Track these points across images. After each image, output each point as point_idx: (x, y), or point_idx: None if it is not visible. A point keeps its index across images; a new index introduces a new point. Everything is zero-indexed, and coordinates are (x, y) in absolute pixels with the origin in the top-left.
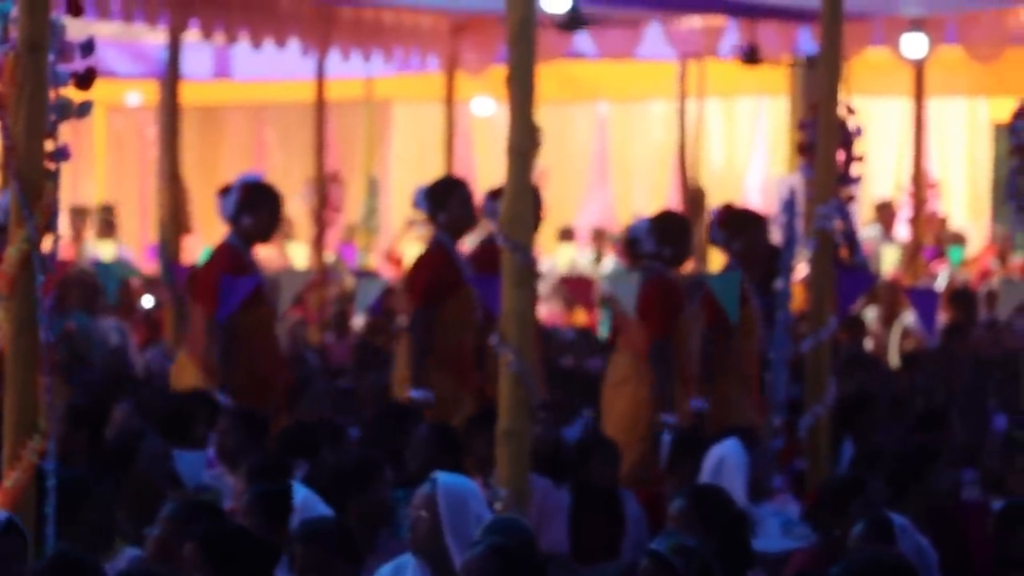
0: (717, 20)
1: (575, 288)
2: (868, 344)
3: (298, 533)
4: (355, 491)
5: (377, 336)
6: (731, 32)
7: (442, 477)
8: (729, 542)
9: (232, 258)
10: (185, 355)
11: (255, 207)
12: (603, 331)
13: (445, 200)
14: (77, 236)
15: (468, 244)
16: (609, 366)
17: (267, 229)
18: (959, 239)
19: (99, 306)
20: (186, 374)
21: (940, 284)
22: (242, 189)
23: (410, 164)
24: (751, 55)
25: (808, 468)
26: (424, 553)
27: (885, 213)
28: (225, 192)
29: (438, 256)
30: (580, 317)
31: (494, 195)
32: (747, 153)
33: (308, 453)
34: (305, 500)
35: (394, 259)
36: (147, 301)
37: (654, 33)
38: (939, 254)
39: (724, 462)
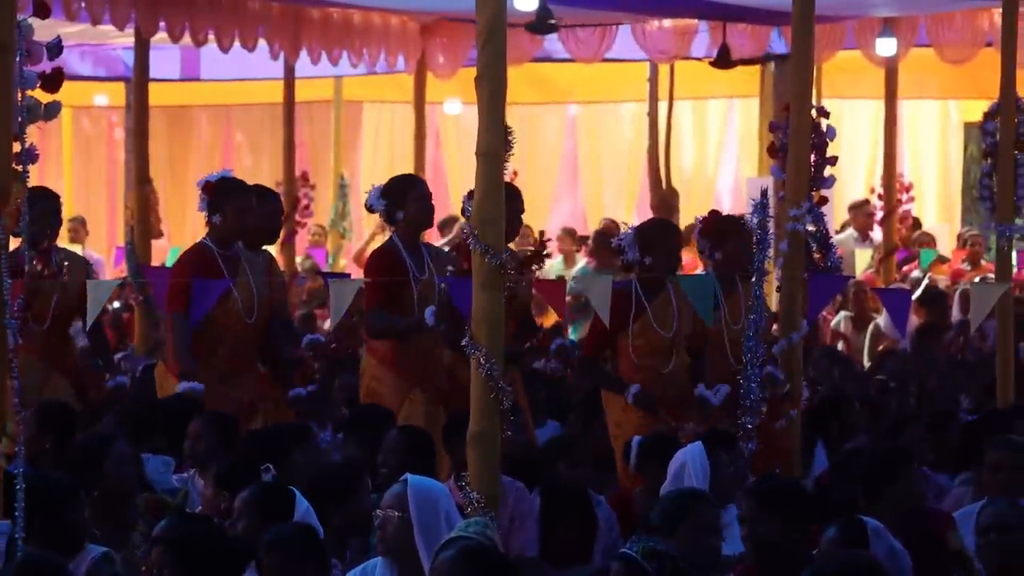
0: (688, 22)
1: (546, 290)
2: (840, 346)
3: (265, 541)
4: (336, 499)
5: (346, 338)
6: (702, 34)
7: (412, 478)
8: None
9: (203, 260)
10: (163, 363)
11: (219, 205)
12: (573, 334)
13: (403, 198)
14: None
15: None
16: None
17: (237, 225)
18: (930, 240)
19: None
20: (168, 381)
21: (912, 286)
22: (204, 189)
23: (380, 165)
24: (723, 58)
25: (781, 471)
26: (392, 553)
27: (859, 214)
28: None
29: (389, 256)
30: (550, 319)
31: (472, 195)
32: (718, 155)
33: (277, 456)
34: (307, 512)
35: (363, 262)
36: (114, 304)
37: (624, 35)
38: (911, 256)
39: (686, 467)
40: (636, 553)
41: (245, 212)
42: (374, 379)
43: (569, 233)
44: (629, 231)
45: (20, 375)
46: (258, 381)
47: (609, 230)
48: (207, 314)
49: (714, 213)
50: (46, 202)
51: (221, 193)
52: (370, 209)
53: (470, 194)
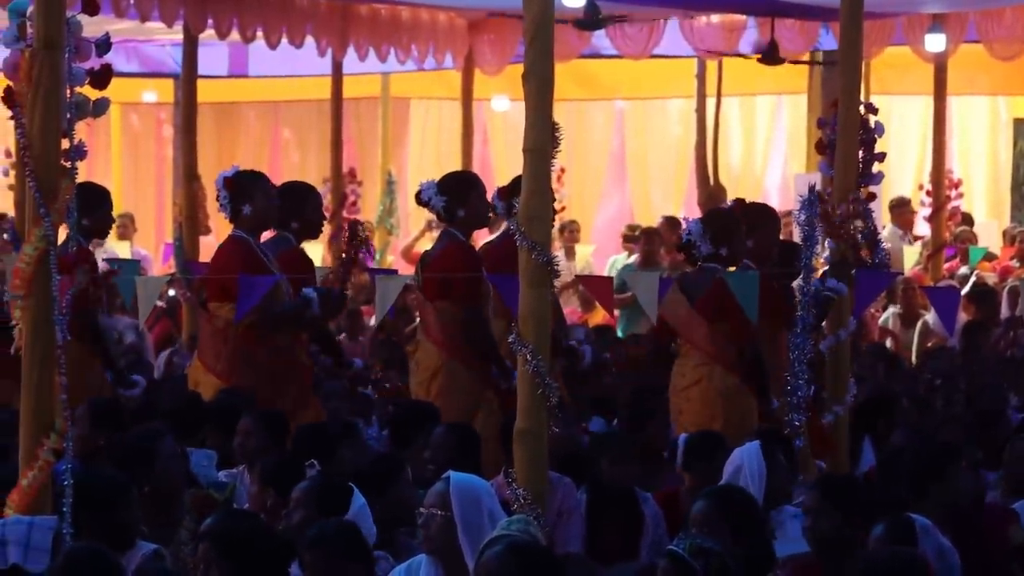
0: (736, 18)
1: (593, 287)
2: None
3: (307, 538)
4: (377, 490)
5: (393, 335)
6: (750, 30)
7: (455, 475)
8: (751, 544)
9: (250, 252)
10: (198, 360)
11: (246, 195)
12: (622, 329)
13: (466, 196)
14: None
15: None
16: (675, 372)
17: (268, 211)
18: (971, 237)
19: (115, 305)
20: (201, 377)
21: (959, 282)
22: (225, 185)
23: (427, 162)
24: (772, 54)
25: (828, 468)
26: (436, 552)
27: (900, 212)
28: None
29: (462, 252)
30: (598, 316)
31: (502, 193)
32: (766, 151)
33: (324, 453)
34: (362, 509)
35: (412, 258)
36: (162, 301)
37: (672, 31)
38: (960, 253)
39: (742, 470)
40: (683, 551)
41: (271, 196)
42: (449, 376)
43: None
44: (693, 223)
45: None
46: (303, 382)
47: (672, 224)
48: (254, 308)
49: (740, 201)
50: (106, 199)
51: (244, 184)
52: (426, 204)
53: (499, 191)
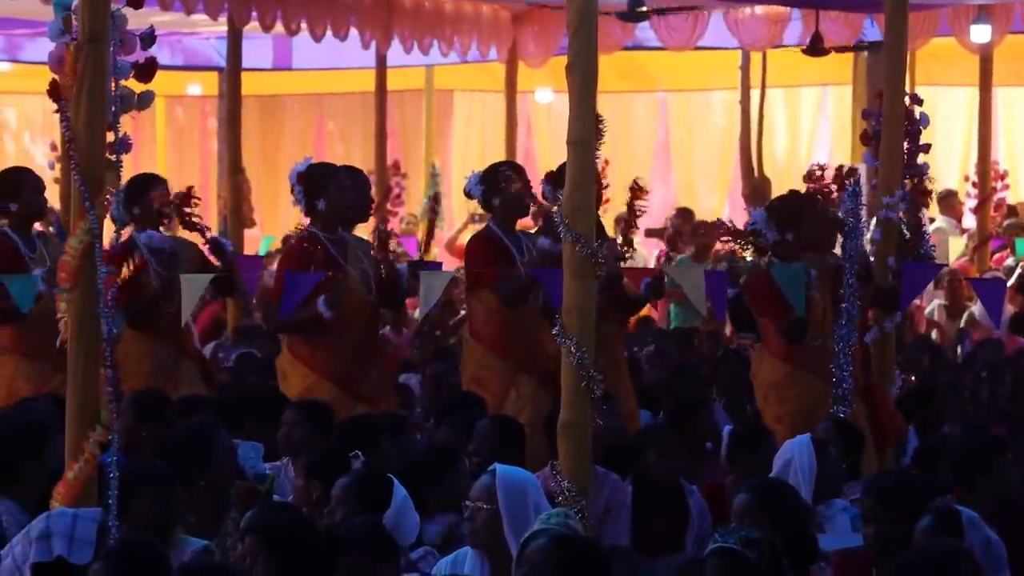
0: (780, 9)
1: (635, 279)
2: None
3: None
4: (433, 482)
5: (437, 328)
6: (794, 21)
7: (501, 468)
8: (792, 536)
9: (312, 247)
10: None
11: (320, 189)
12: (676, 322)
13: (498, 186)
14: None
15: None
16: (762, 367)
17: (342, 204)
18: (1019, 230)
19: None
20: (288, 368)
21: (1005, 274)
22: (299, 180)
23: (471, 154)
24: (816, 45)
25: (876, 461)
26: (482, 544)
27: (952, 202)
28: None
29: (489, 244)
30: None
31: (549, 178)
32: (810, 143)
33: (368, 445)
34: (404, 502)
35: (456, 250)
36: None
37: (716, 23)
38: (1007, 244)
39: (792, 464)
40: (736, 544)
41: (345, 189)
42: (480, 366)
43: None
44: (758, 212)
45: (151, 360)
46: (383, 369)
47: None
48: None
49: (772, 200)
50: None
51: (318, 178)
52: (468, 195)
53: (547, 176)
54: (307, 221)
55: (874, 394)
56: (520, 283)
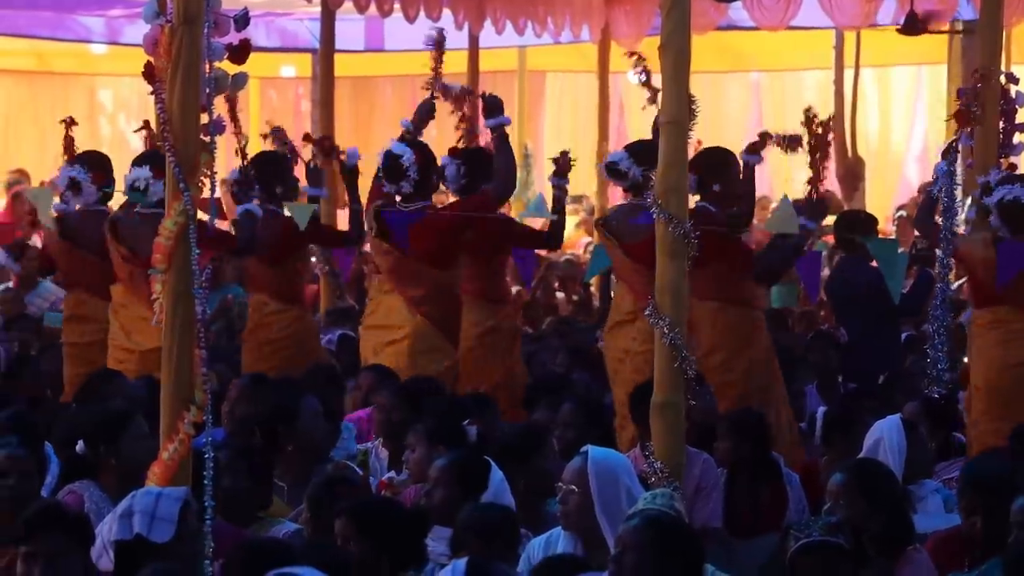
0: None
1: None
2: None
3: (461, 520)
4: (520, 463)
5: (529, 311)
6: (889, 0)
7: (593, 450)
8: (888, 517)
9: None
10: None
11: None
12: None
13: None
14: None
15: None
16: None
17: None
18: None
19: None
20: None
21: None
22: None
23: (563, 135)
24: (911, 25)
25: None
26: (574, 527)
27: None
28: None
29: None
30: None
31: (453, 152)
32: (904, 122)
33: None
34: (501, 484)
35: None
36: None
37: (810, 2)
38: None
39: (881, 443)
40: (825, 534)
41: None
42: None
43: None
44: (620, 152)
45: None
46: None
47: None
48: None
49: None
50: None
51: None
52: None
53: (451, 151)
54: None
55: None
56: None
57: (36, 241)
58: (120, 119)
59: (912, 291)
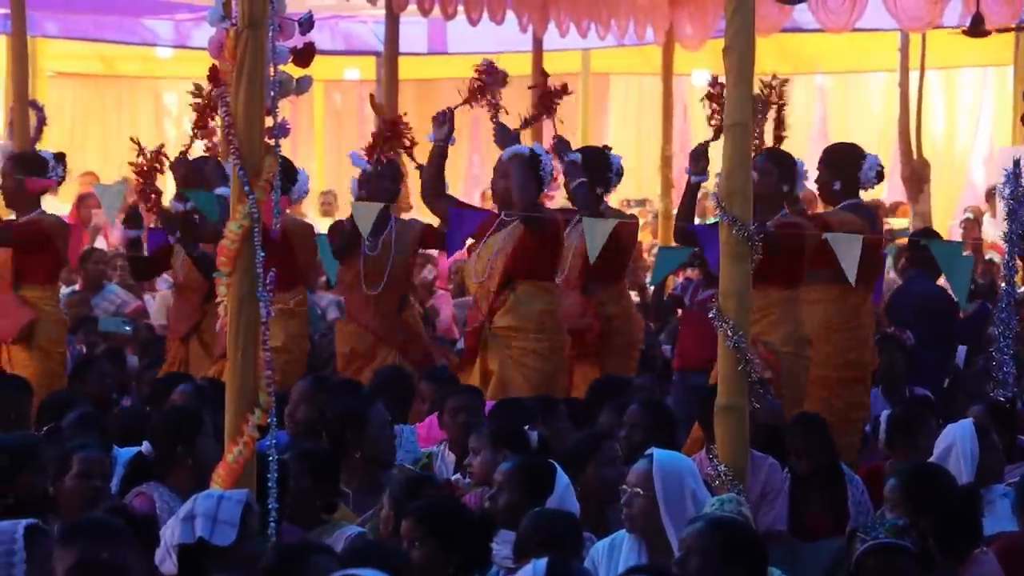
0: None
1: None
2: None
3: (524, 524)
4: (579, 467)
5: None
6: (954, 2)
7: (658, 453)
8: (946, 521)
9: None
10: None
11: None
12: None
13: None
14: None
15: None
16: None
17: None
18: None
19: (317, 282)
20: None
21: None
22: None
23: (627, 138)
24: (977, 26)
25: None
26: (639, 530)
27: None
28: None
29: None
30: None
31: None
32: (970, 124)
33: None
34: (566, 489)
35: None
36: None
37: (875, 4)
38: None
39: (953, 448)
40: (891, 537)
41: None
42: None
43: None
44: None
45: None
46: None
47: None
48: None
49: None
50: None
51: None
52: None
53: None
54: None
55: None
56: None
57: (101, 243)
58: (185, 122)
59: (968, 321)
